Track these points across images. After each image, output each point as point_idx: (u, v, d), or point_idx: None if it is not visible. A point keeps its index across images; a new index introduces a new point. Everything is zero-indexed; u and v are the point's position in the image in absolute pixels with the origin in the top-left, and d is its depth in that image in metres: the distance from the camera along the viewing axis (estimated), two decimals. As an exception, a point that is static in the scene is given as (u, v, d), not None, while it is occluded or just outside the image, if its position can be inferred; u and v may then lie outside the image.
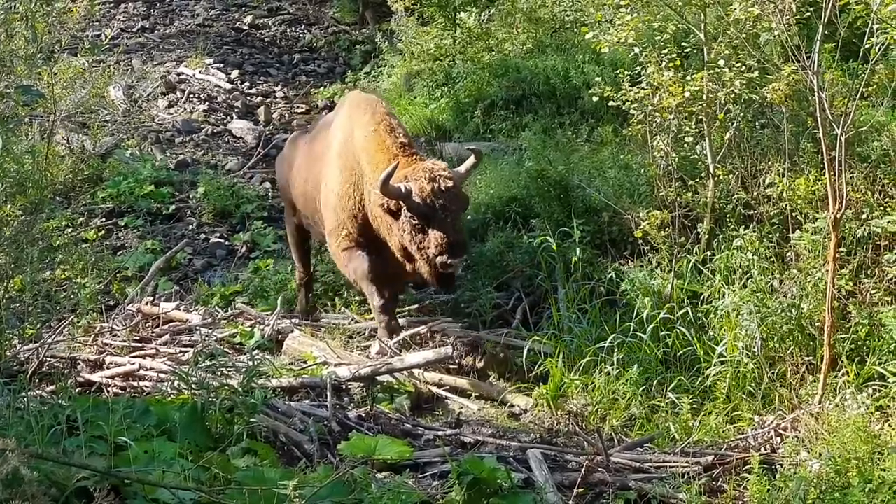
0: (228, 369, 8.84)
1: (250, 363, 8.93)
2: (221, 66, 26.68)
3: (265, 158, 21.18)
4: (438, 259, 10.78)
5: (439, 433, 9.94)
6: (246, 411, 8.31)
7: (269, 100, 25.38)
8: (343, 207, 11.81)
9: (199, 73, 25.81)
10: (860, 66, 12.08)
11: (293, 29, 30.33)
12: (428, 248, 10.82)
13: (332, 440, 9.12)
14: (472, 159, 11.75)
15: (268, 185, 19.54)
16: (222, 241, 16.97)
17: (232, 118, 23.72)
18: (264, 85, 26.37)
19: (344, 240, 11.96)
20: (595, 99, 13.91)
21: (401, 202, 10.84)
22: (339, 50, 28.72)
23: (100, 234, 16.33)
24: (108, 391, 10.26)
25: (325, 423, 9.44)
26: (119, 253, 16.02)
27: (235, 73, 26.47)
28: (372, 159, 11.42)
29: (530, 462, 9.02)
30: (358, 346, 12.30)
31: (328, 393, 10.04)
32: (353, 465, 7.72)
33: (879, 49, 10.45)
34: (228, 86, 25.58)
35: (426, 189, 10.77)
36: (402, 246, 11.19)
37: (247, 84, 26.15)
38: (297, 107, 25.25)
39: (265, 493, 6.57)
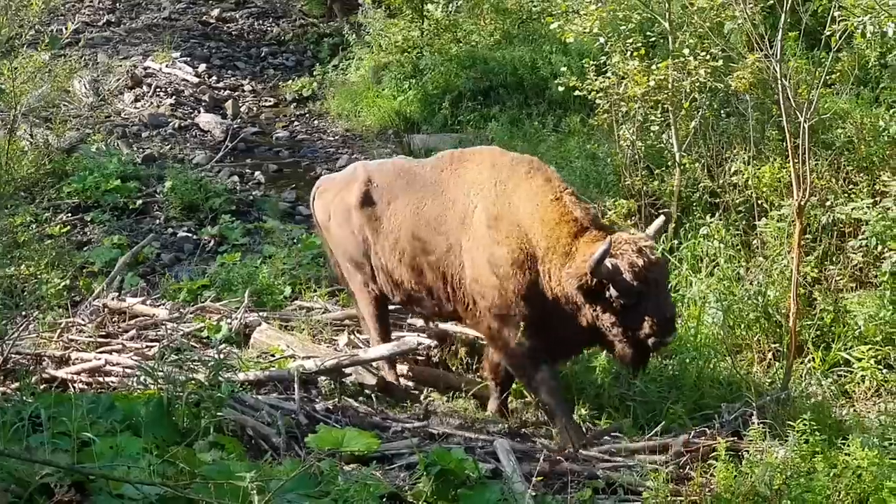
0: (195, 363, 8.79)
1: (217, 357, 8.88)
2: (188, 59, 26.53)
3: (233, 152, 21.10)
4: (651, 340, 9.28)
5: (407, 425, 9.91)
6: (213, 405, 8.24)
7: (236, 93, 25.27)
8: (514, 287, 9.79)
9: (166, 66, 25.67)
10: (824, 54, 12.13)
11: (261, 22, 30.22)
12: (638, 328, 9.24)
13: (300, 433, 9.06)
14: (659, 221, 10.19)
15: (236, 178, 19.45)
16: (190, 235, 16.87)
17: (199, 112, 23.59)
18: (232, 78, 26.25)
19: (517, 332, 9.87)
20: (561, 89, 13.97)
21: (605, 281, 9.17)
22: (308, 43, 28.61)
23: (65, 229, 16.21)
24: (73, 387, 10.17)
25: (293, 416, 9.37)
26: (85, 248, 15.87)
27: (203, 67, 26.34)
28: (552, 233, 9.61)
29: (498, 453, 9.00)
30: (326, 339, 12.25)
31: (296, 386, 9.98)
32: (320, 458, 7.70)
33: (841, 37, 10.46)
34: (195, 80, 25.44)
35: (637, 265, 9.14)
36: (592, 327, 9.55)
37: (214, 78, 26.02)
38: (266, 100, 25.15)
39: (231, 487, 6.54)
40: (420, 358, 11.63)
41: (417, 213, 10.48)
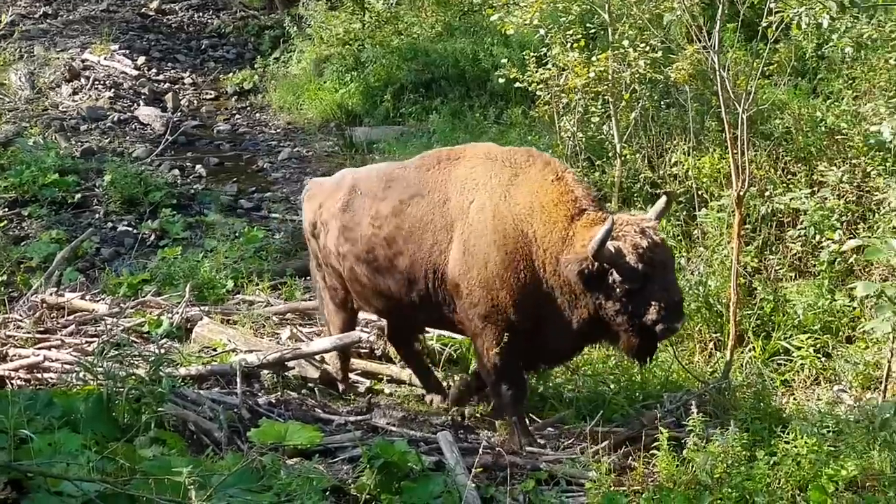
0: (135, 359, 8.72)
1: (158, 352, 8.82)
2: (127, 52, 26.38)
3: (174, 145, 20.96)
4: (659, 326, 8.63)
5: (350, 418, 9.89)
6: (153, 401, 8.18)
7: (176, 86, 25.17)
8: (506, 292, 9.20)
9: (105, 59, 25.49)
10: (762, 45, 12.21)
11: (201, 14, 30.08)
12: (644, 314, 8.62)
13: (243, 427, 9.01)
14: (661, 202, 9.46)
15: (176, 172, 19.35)
16: (130, 229, 16.75)
17: (139, 105, 23.46)
18: (172, 71, 26.14)
19: (502, 336, 9.32)
20: (502, 81, 13.97)
21: (607, 266, 8.60)
22: (248, 35, 28.53)
23: (2, 224, 16.06)
24: (11, 384, 10.07)
25: (235, 410, 9.31)
26: (22, 243, 15.74)
27: (142, 60, 26.19)
28: (549, 217, 9.03)
29: (441, 445, 9.01)
30: (269, 333, 12.21)
31: (238, 380, 9.93)
32: (262, 452, 7.67)
33: (778, 28, 10.55)
34: (135, 72, 25.30)
35: (641, 246, 8.56)
36: (593, 317, 8.96)
37: (154, 70, 25.90)
38: (206, 93, 25.05)
39: (171, 483, 6.49)
40: (363, 351, 11.60)
41: (401, 217, 9.78)
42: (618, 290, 8.58)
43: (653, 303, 8.54)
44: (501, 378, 9.50)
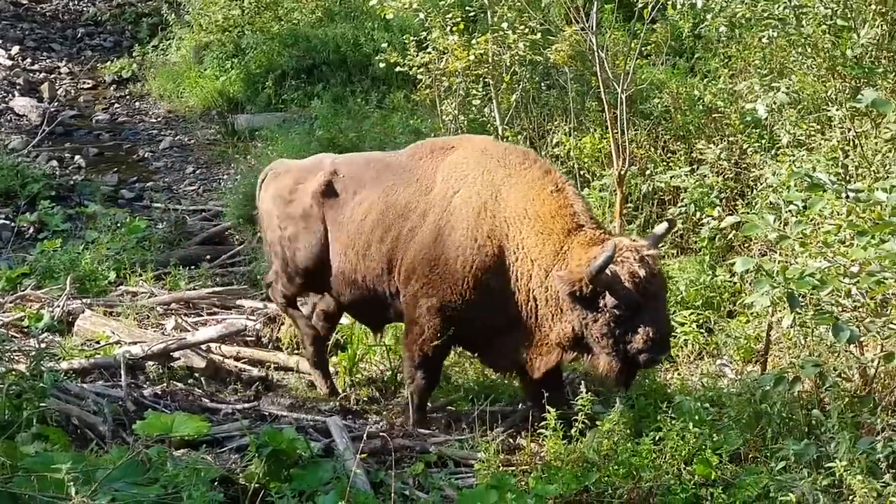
0: (15, 354, 8.58)
1: (38, 346, 8.68)
2: (0, 42, 25.79)
3: (51, 136, 20.58)
4: (643, 356, 8.43)
5: (238, 407, 9.84)
6: (35, 396, 8.05)
7: (52, 76, 24.72)
8: (472, 292, 9.02)
9: (-24, 50, 24.97)
10: (639, 25, 12.35)
11: (76, 2, 29.54)
12: (630, 342, 8.41)
13: (128, 420, 8.90)
14: (661, 228, 9.11)
15: (55, 163, 19.02)
16: (7, 222, 16.39)
17: (13, 96, 23.00)
18: (47, 61, 25.68)
19: (442, 329, 9.23)
20: (382, 65, 13.93)
21: (600, 290, 8.36)
22: (126, 23, 28.09)
23: None
24: None
25: (120, 403, 9.22)
26: None
27: (16, 49, 25.68)
28: (543, 229, 8.77)
29: (331, 430, 9.00)
30: (153, 323, 12.07)
31: (122, 372, 9.82)
32: (147, 445, 7.58)
33: (654, 8, 10.68)
34: (9, 62, 24.81)
35: (639, 275, 8.32)
36: (572, 336, 8.73)
37: (28, 60, 25.41)
38: (84, 82, 24.63)
39: (54, 480, 6.39)
40: (250, 339, 11.54)
41: (387, 202, 9.54)
42: (608, 314, 8.38)
43: (640, 332, 8.33)
44: (424, 366, 9.47)
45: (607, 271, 8.21)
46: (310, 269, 10.13)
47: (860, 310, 7.38)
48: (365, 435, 8.39)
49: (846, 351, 7.91)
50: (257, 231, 14.58)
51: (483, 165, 9.17)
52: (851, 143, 10.49)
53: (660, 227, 9.09)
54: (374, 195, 9.63)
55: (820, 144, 10.88)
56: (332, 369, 10.82)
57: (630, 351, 8.41)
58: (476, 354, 9.84)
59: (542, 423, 8.21)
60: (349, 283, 9.83)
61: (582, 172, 12.81)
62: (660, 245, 9.23)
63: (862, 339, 7.40)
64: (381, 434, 9.01)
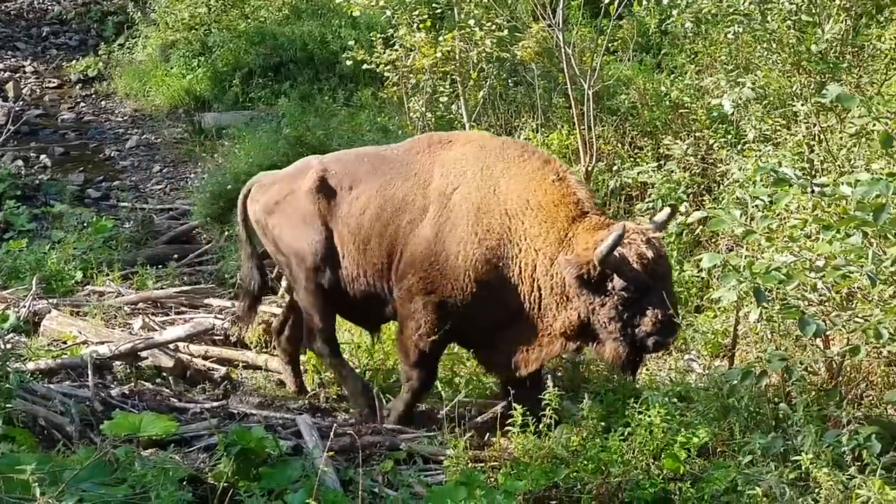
0: (-20, 355, 8.52)
1: (4, 347, 8.62)
2: (-36, 41, 25.74)
3: (16, 136, 20.40)
4: (651, 339, 8.38)
5: (206, 406, 9.81)
6: (1, 397, 8.02)
7: (17, 75, 24.56)
8: (474, 286, 8.91)
9: (-60, 49, 24.82)
10: (606, 21, 12.38)
11: (41, 1, 29.31)
12: (639, 325, 8.35)
13: (96, 420, 8.86)
14: (665, 213, 9.08)
15: (20, 163, 18.91)
16: (-27, 222, 16.35)
17: (-22, 96, 22.88)
18: (12, 60, 25.51)
19: (440, 325, 9.11)
20: (349, 63, 13.92)
21: (608, 272, 8.29)
22: (91, 21, 27.89)
23: None
24: None
25: (87, 403, 9.16)
26: None
27: (-20, 49, 25.55)
28: (546, 217, 8.70)
29: (301, 428, 8.99)
30: (121, 323, 12.02)
31: (89, 372, 9.77)
32: (115, 445, 7.54)
33: (621, 4, 10.70)
34: (-27, 62, 24.66)
35: (647, 256, 8.26)
36: (582, 321, 8.62)
37: (-8, 59, 25.26)
38: (49, 81, 24.48)
39: (21, 481, 6.36)
40: (218, 338, 11.51)
41: (385, 196, 9.40)
42: (616, 297, 8.29)
43: (649, 314, 8.27)
44: (421, 364, 9.36)
45: (615, 253, 8.13)
46: (321, 270, 9.75)
47: (826, 304, 7.42)
48: (332, 433, 8.37)
49: (812, 345, 7.96)
50: (225, 229, 14.59)
51: (482, 160, 9.10)
52: (817, 138, 10.55)
53: (662, 213, 9.05)
54: (371, 189, 9.50)
55: (786, 139, 10.94)
56: (300, 367, 10.81)
57: (638, 335, 8.36)
58: (472, 351, 9.71)
59: (512, 419, 8.24)
60: (352, 280, 9.66)
61: (549, 169, 12.82)
62: (663, 230, 9.05)
63: (828, 332, 7.43)
64: (349, 432, 9.00)
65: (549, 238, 8.62)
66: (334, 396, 10.46)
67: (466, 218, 8.91)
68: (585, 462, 7.63)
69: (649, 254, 8.23)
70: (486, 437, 9.20)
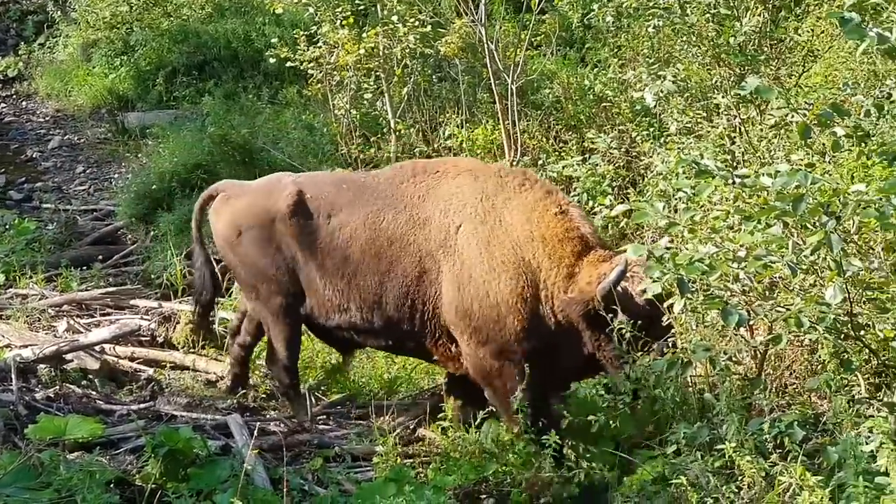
0: None
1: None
2: None
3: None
4: None
5: (133, 407, 9.75)
6: (-79, 403, 7.97)
7: (-65, 76, 24.26)
8: (516, 321, 8.40)
9: None
10: (529, 16, 12.44)
11: (-41, 1, 28.98)
12: None
13: (20, 424, 8.78)
14: (664, 242, 8.12)
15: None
16: None
17: None
18: (-71, 61, 25.18)
19: (520, 369, 8.39)
20: (273, 61, 13.89)
21: (613, 307, 7.86)
22: (10, 21, 27.53)
23: None
24: None
25: (11, 407, 9.09)
26: None
27: None
28: (554, 251, 8.39)
29: (231, 428, 8.98)
30: (45, 326, 11.91)
31: (13, 376, 9.68)
32: (40, 449, 7.49)
33: (541, 0, 10.76)
34: None
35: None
36: (587, 358, 8.33)
37: None
38: (-34, 82, 24.26)
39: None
40: (144, 339, 11.44)
41: (375, 229, 8.90)
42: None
43: (655, 348, 7.80)
44: (537, 418, 8.28)
45: (618, 288, 7.84)
46: (292, 299, 9.38)
47: (749, 294, 7.50)
48: (260, 431, 8.36)
49: (736, 335, 8.04)
50: (150, 229, 14.50)
51: (479, 192, 8.69)
52: (737, 130, 10.67)
53: (662, 242, 8.34)
54: (356, 220, 8.98)
55: (707, 132, 11.04)
56: (227, 367, 10.77)
57: None
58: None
59: (441, 414, 8.28)
60: (336, 310, 9.14)
61: (475, 163, 12.88)
62: None
63: (751, 322, 7.52)
64: (279, 430, 9.00)
65: (560, 273, 8.29)
66: (263, 395, 10.43)
67: (479, 256, 8.49)
68: (513, 456, 7.69)
69: None
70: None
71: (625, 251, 7.60)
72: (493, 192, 8.64)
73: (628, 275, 7.92)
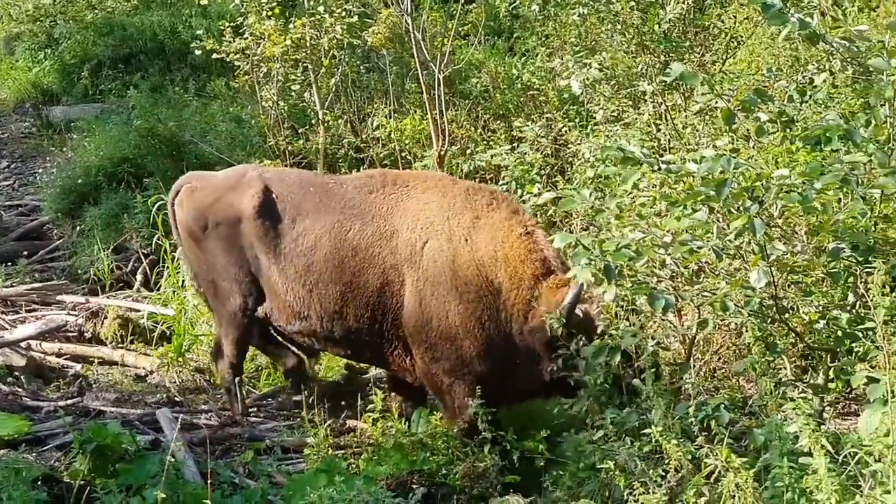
0: None
1: None
2: None
3: None
4: None
5: (60, 404, 9.67)
6: None
7: None
8: (473, 344, 8.38)
9: None
10: (456, 6, 12.45)
11: None
12: None
13: (-56, 424, 8.72)
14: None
15: None
16: None
17: None
18: None
19: (472, 390, 8.16)
20: (199, 52, 13.79)
21: (574, 332, 7.79)
22: (-70, 14, 27.19)
23: None
24: None
25: (-66, 408, 9.03)
26: None
27: None
28: (514, 273, 8.29)
29: (161, 422, 8.94)
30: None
31: (-65, 376, 9.62)
32: (-37, 449, 7.43)
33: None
34: None
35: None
36: (547, 382, 8.20)
37: None
38: None
39: None
40: (72, 335, 11.34)
41: (340, 239, 8.82)
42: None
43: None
44: (471, 432, 8.21)
45: (578, 311, 7.79)
46: (250, 300, 9.31)
47: (676, 279, 7.56)
48: (188, 424, 8.32)
49: (664, 320, 8.11)
50: (77, 224, 14.35)
51: (447, 210, 8.64)
52: (663, 117, 10.75)
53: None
54: (320, 227, 8.91)
55: (634, 119, 11.12)
56: (158, 360, 10.70)
57: None
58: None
59: (371, 406, 8.29)
60: (296, 316, 9.07)
61: (403, 154, 12.86)
62: None
63: (679, 307, 7.59)
64: (209, 424, 8.97)
65: (522, 295, 8.21)
66: (193, 388, 10.38)
67: (442, 274, 8.45)
68: (446, 445, 7.72)
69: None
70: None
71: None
72: (461, 210, 8.59)
73: (589, 297, 7.89)
